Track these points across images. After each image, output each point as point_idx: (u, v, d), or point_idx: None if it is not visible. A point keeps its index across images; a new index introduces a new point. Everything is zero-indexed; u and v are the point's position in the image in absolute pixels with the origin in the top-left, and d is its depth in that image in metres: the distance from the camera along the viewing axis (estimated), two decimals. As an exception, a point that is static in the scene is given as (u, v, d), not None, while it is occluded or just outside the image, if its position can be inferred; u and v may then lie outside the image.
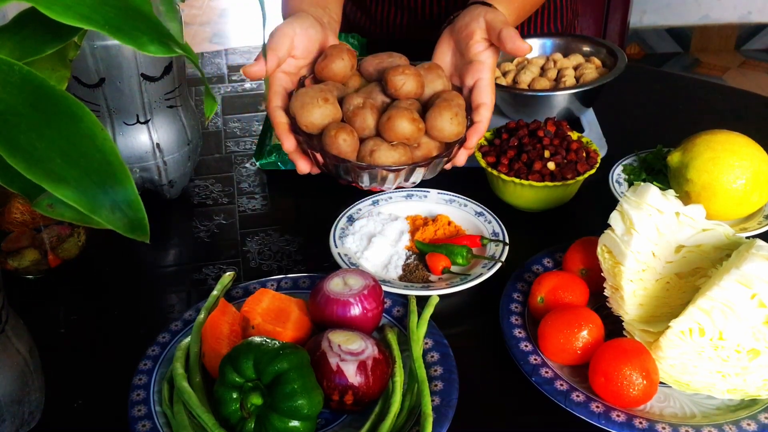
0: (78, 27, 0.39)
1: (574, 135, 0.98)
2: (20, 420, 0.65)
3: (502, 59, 1.19)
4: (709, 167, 0.88)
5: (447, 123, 0.84)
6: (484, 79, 0.89)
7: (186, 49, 0.44)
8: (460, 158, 0.89)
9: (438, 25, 1.00)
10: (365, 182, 0.86)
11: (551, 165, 0.92)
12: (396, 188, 0.90)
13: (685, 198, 0.90)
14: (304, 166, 0.88)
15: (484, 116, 0.88)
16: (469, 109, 0.89)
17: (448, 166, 0.90)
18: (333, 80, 0.90)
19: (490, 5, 0.92)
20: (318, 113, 0.84)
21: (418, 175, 0.87)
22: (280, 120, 0.87)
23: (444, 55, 0.94)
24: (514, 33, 0.86)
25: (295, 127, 0.86)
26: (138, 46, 0.40)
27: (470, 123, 0.89)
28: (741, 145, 0.89)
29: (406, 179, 0.87)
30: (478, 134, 0.88)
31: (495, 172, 0.93)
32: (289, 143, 0.87)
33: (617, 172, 0.99)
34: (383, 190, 0.92)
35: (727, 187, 0.87)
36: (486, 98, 0.89)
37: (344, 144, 0.83)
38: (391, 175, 0.84)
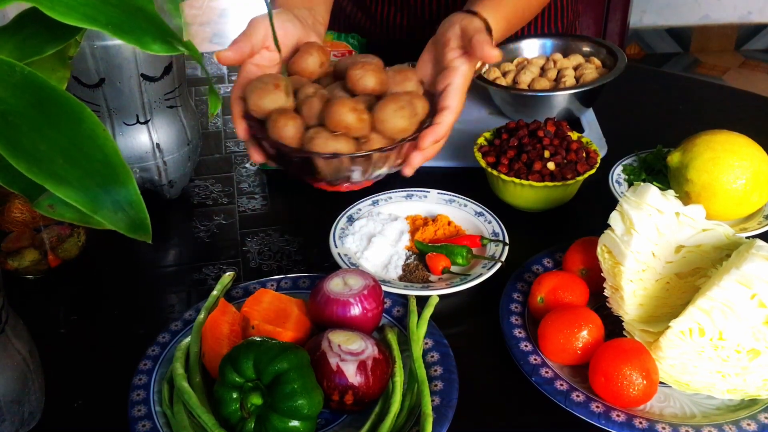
0: (80, 27, 0.39)
1: (574, 135, 0.98)
2: (20, 420, 0.65)
3: (502, 59, 1.19)
4: (709, 167, 0.88)
5: (390, 115, 0.79)
6: (453, 84, 0.86)
7: (189, 46, 0.44)
8: (414, 160, 0.84)
9: (438, 26, 0.99)
10: (305, 172, 0.82)
11: (551, 165, 0.92)
12: (337, 187, 0.85)
13: (685, 198, 0.90)
14: (256, 156, 0.85)
15: (446, 119, 0.84)
16: (435, 113, 0.86)
17: (407, 172, 0.85)
18: (302, 75, 0.88)
19: (475, 12, 0.92)
20: (268, 99, 0.82)
21: (358, 173, 0.83)
22: (237, 108, 0.84)
23: (425, 63, 0.93)
24: (484, 39, 0.84)
25: (247, 114, 0.84)
26: (141, 45, 0.40)
27: (430, 124, 0.84)
28: (741, 145, 0.89)
29: (345, 175, 0.83)
30: (434, 136, 0.83)
31: (495, 172, 0.93)
32: (240, 130, 0.84)
33: (617, 172, 0.99)
34: (337, 189, 0.88)
35: (727, 187, 0.88)
36: (451, 102, 0.85)
37: (285, 130, 0.80)
38: (330, 168, 0.80)
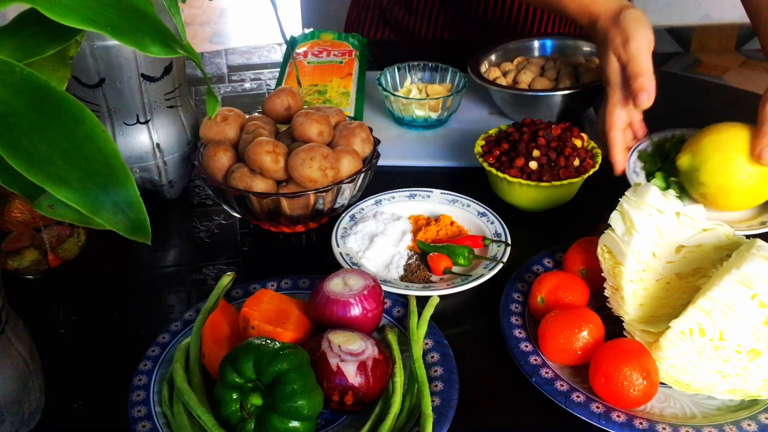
0: (79, 28, 0.39)
1: (578, 143, 0.97)
2: (20, 420, 0.65)
3: (502, 59, 1.19)
4: (722, 169, 0.88)
5: (299, 163, 0.83)
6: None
7: (188, 48, 0.44)
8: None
9: (482, 26, 0.99)
10: (229, 204, 0.89)
11: (533, 164, 0.91)
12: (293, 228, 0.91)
13: (701, 199, 0.91)
14: None
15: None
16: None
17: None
18: (270, 116, 0.94)
19: None
20: (214, 130, 0.90)
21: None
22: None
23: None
24: None
25: (200, 143, 0.93)
26: (140, 47, 0.40)
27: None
28: (746, 140, 0.89)
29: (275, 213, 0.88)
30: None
31: (495, 172, 0.93)
32: None
33: (633, 160, 0.97)
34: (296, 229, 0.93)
35: (742, 185, 0.88)
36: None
37: (214, 159, 0.87)
38: (260, 204, 0.86)
